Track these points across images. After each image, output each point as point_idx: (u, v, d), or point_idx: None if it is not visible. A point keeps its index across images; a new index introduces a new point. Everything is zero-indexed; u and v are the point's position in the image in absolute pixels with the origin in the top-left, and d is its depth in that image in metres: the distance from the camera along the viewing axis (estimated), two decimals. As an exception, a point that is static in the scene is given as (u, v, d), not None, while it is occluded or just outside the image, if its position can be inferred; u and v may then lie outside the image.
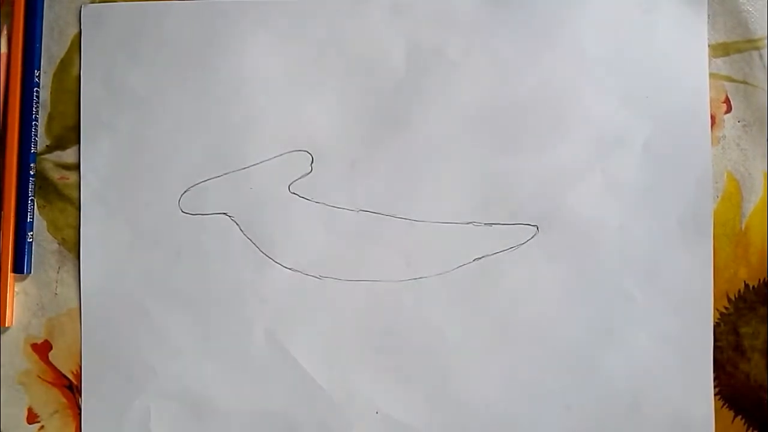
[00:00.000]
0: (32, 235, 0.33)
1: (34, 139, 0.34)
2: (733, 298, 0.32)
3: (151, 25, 0.33)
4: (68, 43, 0.34)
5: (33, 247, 0.34)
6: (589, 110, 0.32)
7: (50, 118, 0.34)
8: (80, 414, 0.33)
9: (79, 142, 0.34)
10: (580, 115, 0.32)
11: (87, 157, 0.33)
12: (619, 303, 0.32)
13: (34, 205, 0.34)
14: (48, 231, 0.34)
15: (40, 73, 0.34)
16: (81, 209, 0.33)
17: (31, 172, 0.33)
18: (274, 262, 0.33)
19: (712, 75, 0.33)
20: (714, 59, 0.33)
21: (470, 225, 0.32)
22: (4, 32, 0.34)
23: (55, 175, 0.34)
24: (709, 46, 0.33)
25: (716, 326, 0.32)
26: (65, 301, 0.33)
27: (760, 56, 0.33)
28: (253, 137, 0.33)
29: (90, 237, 0.33)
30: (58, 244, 0.34)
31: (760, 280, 0.33)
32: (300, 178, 0.33)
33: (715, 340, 0.32)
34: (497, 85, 0.33)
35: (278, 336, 0.33)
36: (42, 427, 0.33)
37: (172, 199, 0.33)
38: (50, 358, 0.33)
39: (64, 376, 0.33)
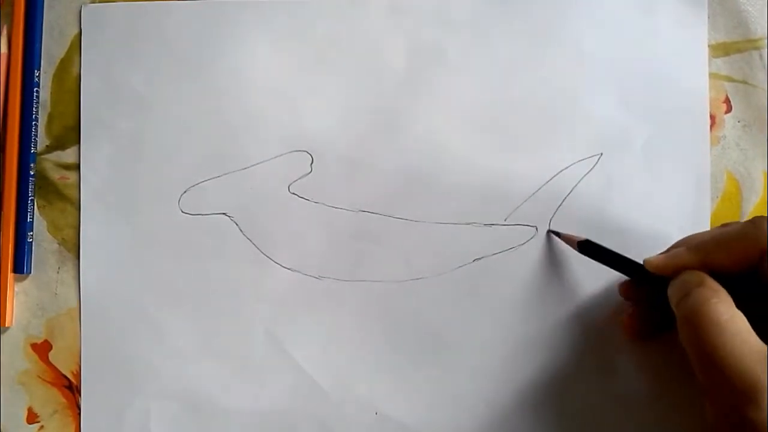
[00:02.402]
0: (32, 235, 0.33)
1: (34, 139, 0.34)
2: (733, 299, 0.32)
3: (151, 25, 0.33)
4: (68, 43, 0.34)
5: (33, 247, 0.34)
6: (589, 110, 0.33)
7: (50, 118, 0.34)
8: (80, 414, 0.33)
9: (79, 142, 0.34)
10: (580, 115, 0.32)
11: (87, 157, 0.33)
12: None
13: (34, 205, 0.34)
14: (48, 231, 0.34)
15: (40, 73, 0.34)
16: (81, 209, 0.33)
17: (31, 172, 0.33)
18: (273, 262, 0.33)
19: (712, 75, 0.33)
20: (714, 59, 0.33)
21: (470, 225, 0.32)
22: (4, 32, 0.34)
23: (55, 175, 0.34)
24: (709, 46, 0.33)
25: (716, 326, 0.32)
26: (65, 301, 0.33)
27: (760, 56, 0.33)
28: (253, 137, 0.33)
29: (90, 237, 0.33)
30: (58, 244, 0.34)
31: (760, 280, 0.33)
32: (300, 178, 0.33)
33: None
34: (497, 85, 0.33)
35: (278, 336, 0.33)
36: (42, 427, 0.33)
37: (172, 199, 0.33)
38: (50, 358, 0.33)
39: (64, 376, 0.33)
